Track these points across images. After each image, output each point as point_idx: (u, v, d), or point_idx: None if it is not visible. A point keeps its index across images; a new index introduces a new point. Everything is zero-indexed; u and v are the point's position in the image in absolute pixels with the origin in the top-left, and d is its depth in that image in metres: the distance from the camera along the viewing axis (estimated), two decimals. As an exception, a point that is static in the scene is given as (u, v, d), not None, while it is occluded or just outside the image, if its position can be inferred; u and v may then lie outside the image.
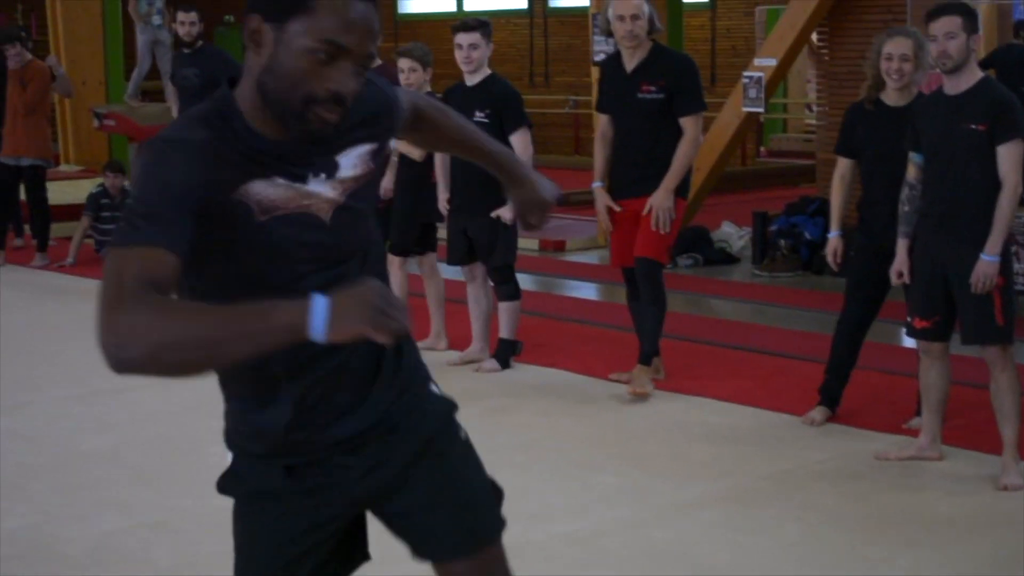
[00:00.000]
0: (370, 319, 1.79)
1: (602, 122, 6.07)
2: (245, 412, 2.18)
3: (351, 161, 2.11)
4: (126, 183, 9.60)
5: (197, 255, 1.93)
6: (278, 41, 1.95)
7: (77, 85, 14.71)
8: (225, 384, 2.19)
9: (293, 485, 2.17)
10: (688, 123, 5.76)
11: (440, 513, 2.20)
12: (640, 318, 5.93)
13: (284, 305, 1.81)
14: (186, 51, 8.81)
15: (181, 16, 8.77)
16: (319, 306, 1.79)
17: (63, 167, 13.50)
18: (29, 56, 9.77)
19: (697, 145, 5.85)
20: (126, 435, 5.36)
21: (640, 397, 5.79)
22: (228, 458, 2.22)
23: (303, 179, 2.05)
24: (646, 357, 5.87)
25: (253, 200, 2.00)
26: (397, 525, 2.23)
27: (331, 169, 2.08)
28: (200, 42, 8.79)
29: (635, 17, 5.67)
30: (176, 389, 5.96)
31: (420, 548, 2.22)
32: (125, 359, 1.76)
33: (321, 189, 2.07)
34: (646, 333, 5.87)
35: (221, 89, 2.06)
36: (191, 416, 5.61)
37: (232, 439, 2.21)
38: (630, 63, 5.83)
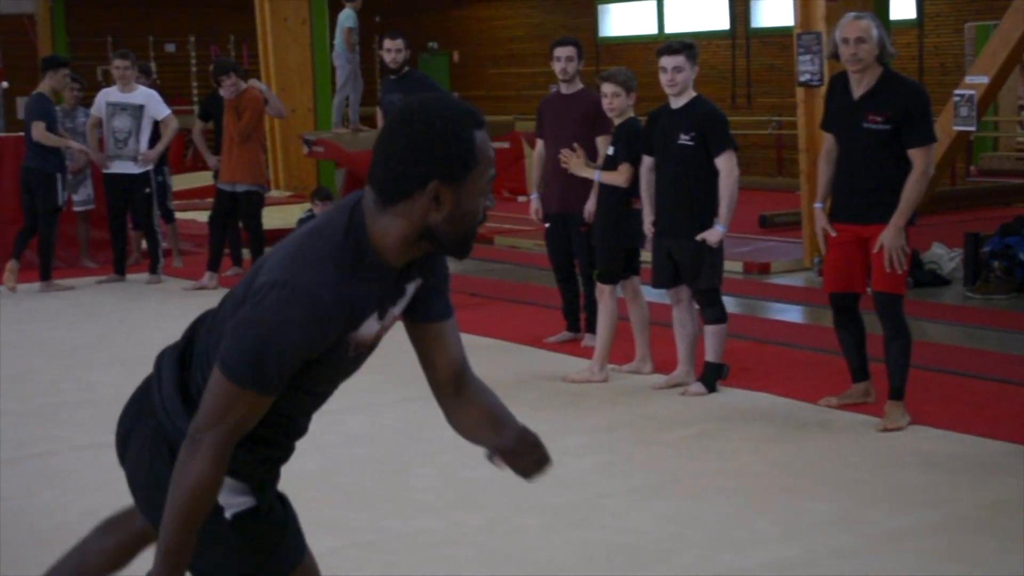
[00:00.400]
0: None
1: (827, 141, 5.86)
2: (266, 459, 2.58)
3: (410, 291, 2.47)
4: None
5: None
6: (460, 194, 2.30)
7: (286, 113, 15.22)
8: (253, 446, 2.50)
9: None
10: (917, 155, 5.52)
11: None
12: (887, 353, 5.70)
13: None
14: (392, 77, 8.99)
15: (388, 43, 8.96)
16: None
17: (273, 193, 13.92)
18: (243, 85, 10.11)
19: (927, 178, 5.58)
20: (335, 456, 5.45)
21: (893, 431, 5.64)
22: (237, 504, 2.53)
23: (384, 314, 2.42)
24: (896, 392, 5.69)
25: (354, 340, 2.37)
26: None
27: (396, 302, 2.45)
28: (406, 68, 8.96)
29: (860, 40, 5.48)
30: (384, 413, 6.14)
31: None
32: (191, 456, 2.30)
33: (387, 322, 2.46)
34: (895, 367, 5.67)
35: (355, 231, 2.32)
36: (399, 438, 5.72)
37: (253, 480, 2.56)
38: (857, 89, 5.62)
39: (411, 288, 2.45)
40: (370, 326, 2.36)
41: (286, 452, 2.63)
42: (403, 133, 2.27)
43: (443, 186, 2.27)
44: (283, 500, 2.68)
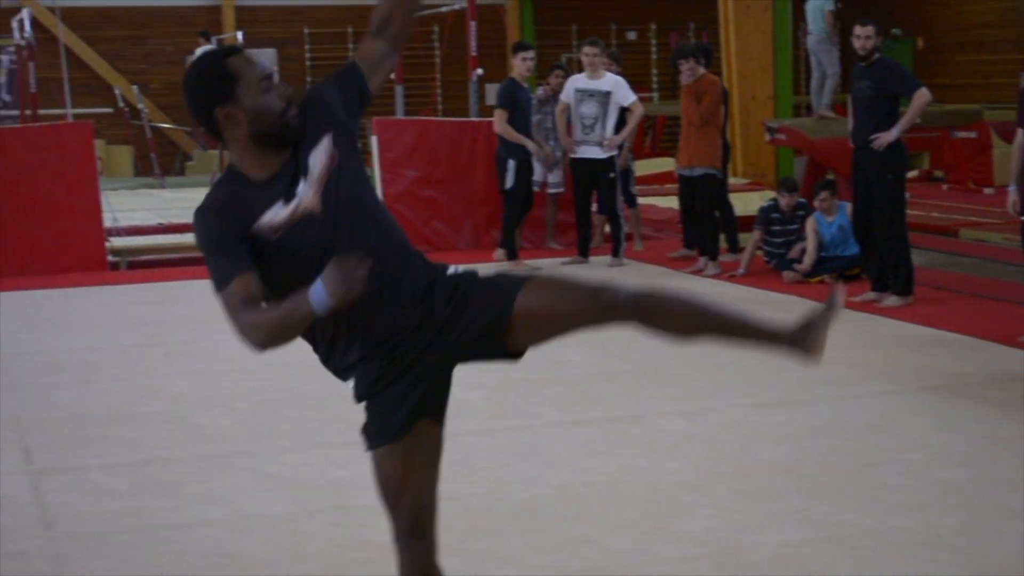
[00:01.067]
0: (337, 294, 2.67)
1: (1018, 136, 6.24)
2: (341, 348, 2.98)
3: (317, 157, 2.93)
4: (799, 200, 9.88)
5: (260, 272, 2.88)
6: (242, 103, 2.89)
7: (746, 100, 15.20)
8: (330, 335, 2.97)
9: (388, 362, 2.95)
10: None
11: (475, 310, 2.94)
12: None
13: (302, 296, 2.72)
14: (862, 64, 8.78)
15: (858, 30, 8.75)
16: (314, 294, 2.69)
17: (732, 180, 13.92)
18: (702, 71, 10.24)
19: None
20: (801, 447, 5.41)
21: None
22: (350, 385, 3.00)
23: (293, 194, 2.91)
24: None
25: (266, 228, 2.89)
26: (467, 335, 2.95)
27: (306, 171, 2.93)
28: (876, 55, 8.73)
29: None
30: (851, 406, 6.04)
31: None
32: (255, 345, 2.83)
33: (305, 191, 2.92)
34: None
35: (229, 167, 3.03)
36: (867, 433, 5.60)
37: (340, 369, 3.02)
38: None
39: (318, 154, 2.94)
40: (276, 212, 2.90)
41: (363, 352, 2.97)
42: (184, 95, 2.96)
43: (223, 107, 2.90)
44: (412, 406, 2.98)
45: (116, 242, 11.58)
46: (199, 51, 19.53)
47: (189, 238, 12.19)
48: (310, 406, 6.14)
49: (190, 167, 21.43)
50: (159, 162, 20.04)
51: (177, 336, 8.14)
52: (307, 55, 23.44)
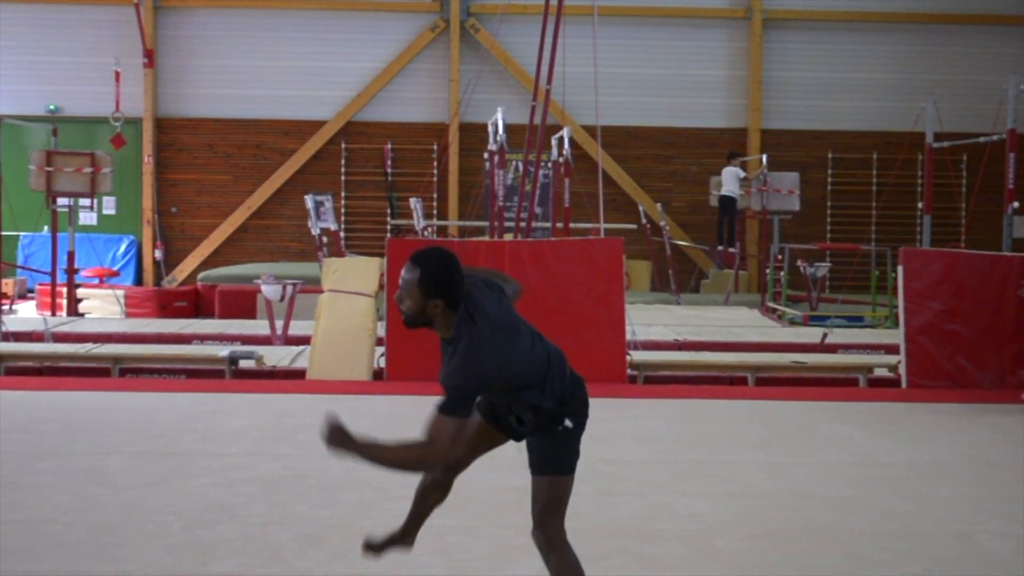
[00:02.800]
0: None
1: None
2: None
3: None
4: None
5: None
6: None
7: None
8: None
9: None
10: None
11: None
12: None
13: None
14: None
15: None
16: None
17: None
18: None
19: None
20: None
21: None
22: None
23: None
24: None
25: None
26: None
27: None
28: None
29: None
30: None
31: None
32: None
33: None
34: None
35: None
36: None
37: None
38: None
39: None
40: None
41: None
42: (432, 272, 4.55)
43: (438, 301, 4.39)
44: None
45: (635, 356, 11.91)
46: (726, 171, 20.09)
47: (705, 356, 12.45)
48: (823, 538, 6.03)
49: (706, 285, 21.82)
50: (676, 279, 20.58)
51: (693, 454, 8.25)
52: (829, 179, 23.43)
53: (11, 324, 14.43)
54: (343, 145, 23.42)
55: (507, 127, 16.05)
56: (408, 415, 9.37)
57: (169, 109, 23.44)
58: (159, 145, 23.42)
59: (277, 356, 12.40)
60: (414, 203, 19.06)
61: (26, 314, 17.70)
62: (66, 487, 6.94)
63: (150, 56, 23.03)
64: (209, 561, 5.62)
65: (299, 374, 11.64)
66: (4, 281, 16.22)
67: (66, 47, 23.21)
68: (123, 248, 23.42)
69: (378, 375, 11.39)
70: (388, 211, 23.31)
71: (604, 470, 7.66)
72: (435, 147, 23.25)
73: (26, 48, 23.22)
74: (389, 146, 23.37)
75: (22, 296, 20.54)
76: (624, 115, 22.91)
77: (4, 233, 15.64)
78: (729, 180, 20.50)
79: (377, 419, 9.26)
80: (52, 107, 23.27)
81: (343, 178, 23.46)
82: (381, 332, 11.62)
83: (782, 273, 19.33)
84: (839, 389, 11.36)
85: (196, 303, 18.75)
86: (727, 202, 20.56)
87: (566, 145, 17.19)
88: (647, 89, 23.31)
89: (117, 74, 21.56)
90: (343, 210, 23.06)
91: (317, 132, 23.34)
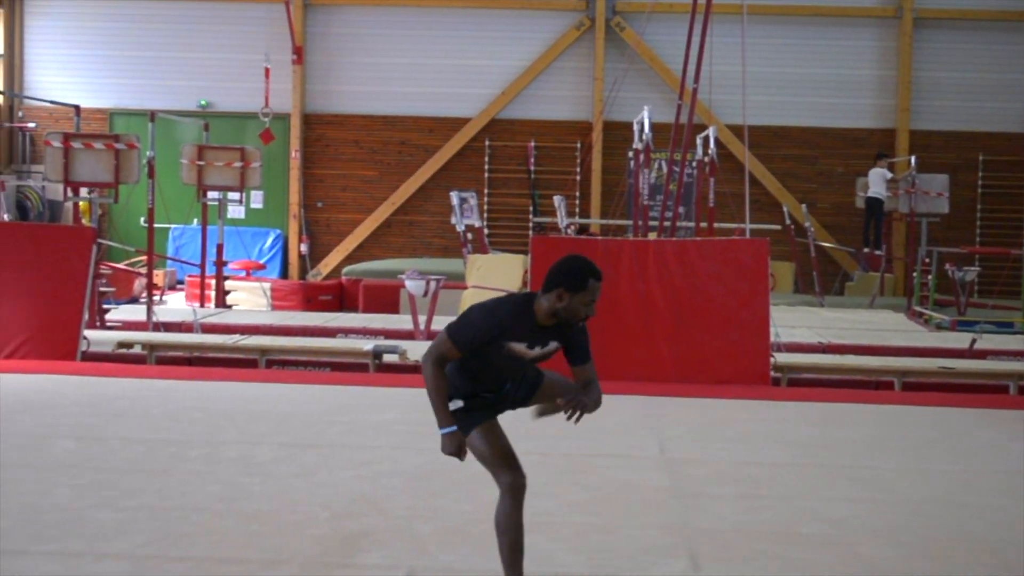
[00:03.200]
0: (445, 449, 4.98)
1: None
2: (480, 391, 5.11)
3: (553, 344, 4.98)
4: None
5: (472, 352, 4.89)
6: (572, 299, 4.80)
7: None
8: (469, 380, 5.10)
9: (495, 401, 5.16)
10: None
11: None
12: None
13: (446, 413, 4.98)
14: None
15: None
16: (445, 431, 4.98)
17: None
18: None
19: None
20: None
21: None
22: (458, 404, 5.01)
23: (532, 346, 4.94)
24: None
25: (506, 347, 4.89)
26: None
27: (545, 343, 4.95)
28: None
29: None
30: None
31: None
32: (424, 372, 4.93)
33: (534, 351, 4.95)
34: None
35: (530, 299, 4.93)
36: None
37: (468, 395, 5.08)
38: None
39: (553, 344, 4.99)
40: (518, 346, 4.91)
41: (488, 393, 5.11)
42: (560, 266, 4.86)
43: (563, 291, 4.80)
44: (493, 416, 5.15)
45: (779, 358, 11.78)
46: (874, 172, 19.74)
47: (850, 359, 12.26)
48: (974, 548, 5.90)
49: (850, 287, 21.48)
50: (820, 281, 20.29)
51: (838, 459, 8.13)
52: (979, 181, 22.91)
53: (161, 315, 14.82)
54: (487, 142, 23.57)
55: (652, 126, 15.99)
56: (549, 412, 9.43)
57: (317, 105, 23.84)
58: (306, 140, 23.84)
59: (420, 351, 12.54)
60: (557, 201, 19.10)
61: (175, 305, 18.18)
62: (216, 476, 7.10)
63: (299, 53, 23.46)
64: (355, 552, 5.71)
65: (441, 369, 11.72)
66: (155, 272, 16.65)
67: (218, 44, 23.76)
68: (269, 242, 23.91)
69: (519, 372, 11.41)
70: (531, 208, 23.39)
71: (748, 473, 7.60)
72: (578, 145, 23.27)
73: (179, 45, 23.83)
74: (532, 144, 23.45)
75: (172, 287, 21.10)
76: (770, 115, 22.66)
77: (156, 225, 16.05)
78: (876, 181, 20.14)
79: (519, 415, 9.28)
80: (203, 102, 23.84)
81: (486, 175, 23.61)
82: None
83: (929, 277, 18.94)
84: (989, 396, 11.08)
85: (340, 297, 19.07)
86: (874, 204, 20.20)
87: (711, 144, 17.06)
88: (794, 88, 23.03)
89: (267, 70, 22.03)
90: (486, 207, 23.20)
91: (461, 129, 23.52)
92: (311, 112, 23.89)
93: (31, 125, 23.88)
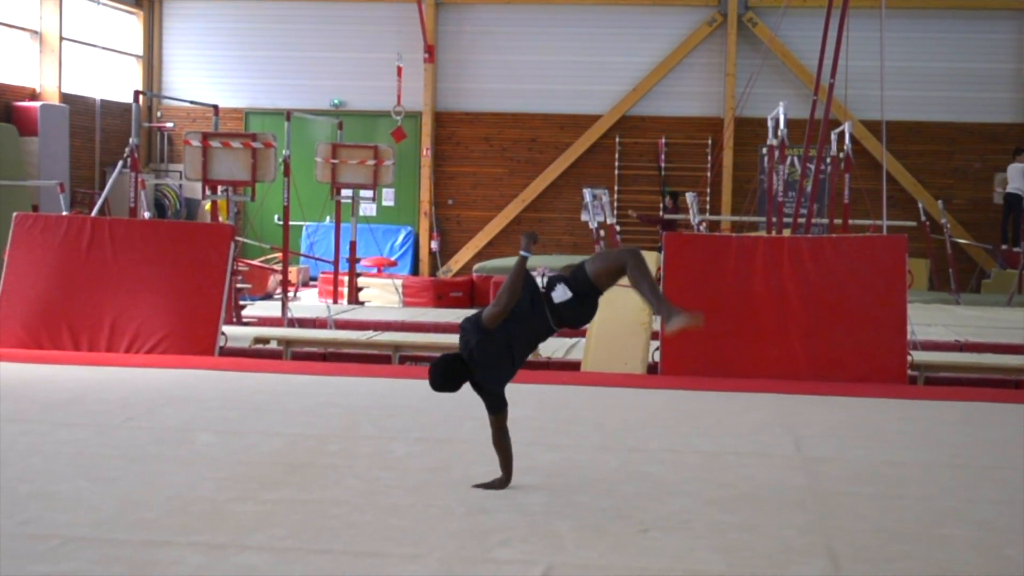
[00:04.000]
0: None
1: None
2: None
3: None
4: None
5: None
6: None
7: None
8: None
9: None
10: None
11: None
12: None
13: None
14: None
15: None
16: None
17: None
18: None
19: None
20: None
21: None
22: None
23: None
24: None
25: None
26: None
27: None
28: None
29: None
30: None
31: None
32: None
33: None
34: None
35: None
36: None
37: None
38: None
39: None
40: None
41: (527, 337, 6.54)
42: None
43: None
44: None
45: (916, 356, 11.56)
46: (1012, 168, 19.27)
47: (989, 358, 11.98)
48: None
49: (987, 285, 20.99)
50: (956, 278, 19.86)
51: (980, 459, 7.94)
52: None
53: (296, 311, 15.04)
54: (617, 139, 23.52)
55: (787, 122, 15.80)
56: (683, 409, 9.37)
57: (448, 103, 24.01)
58: (437, 138, 24.04)
59: (552, 347, 12.56)
60: (690, 198, 18.97)
61: (309, 301, 18.44)
62: (354, 470, 7.18)
63: (431, 51, 23.65)
64: (492, 547, 5.73)
65: (574, 366, 11.76)
66: (290, 269, 16.92)
67: (350, 43, 24.07)
68: (401, 238, 24.16)
69: (652, 369, 11.39)
70: (661, 206, 23.28)
71: (887, 473, 7.47)
72: (709, 142, 23.08)
73: (312, 44, 24.19)
74: (663, 140, 23.33)
75: (306, 284, 21.42)
76: (905, 110, 22.25)
77: (291, 223, 16.31)
78: (1016, 177, 19.65)
79: (651, 413, 9.27)
80: (336, 101, 24.16)
81: (616, 172, 23.57)
82: (656, 326, 11.62)
83: (1072, 274, 18.42)
84: None
85: (471, 293, 19.16)
86: (1013, 200, 19.72)
87: (847, 141, 16.80)
88: (930, 83, 22.57)
89: (399, 69, 22.25)
90: (616, 204, 23.15)
91: (592, 126, 23.51)
92: (442, 110, 24.07)
93: (169, 125, 24.43)
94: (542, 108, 23.72)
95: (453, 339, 12.77)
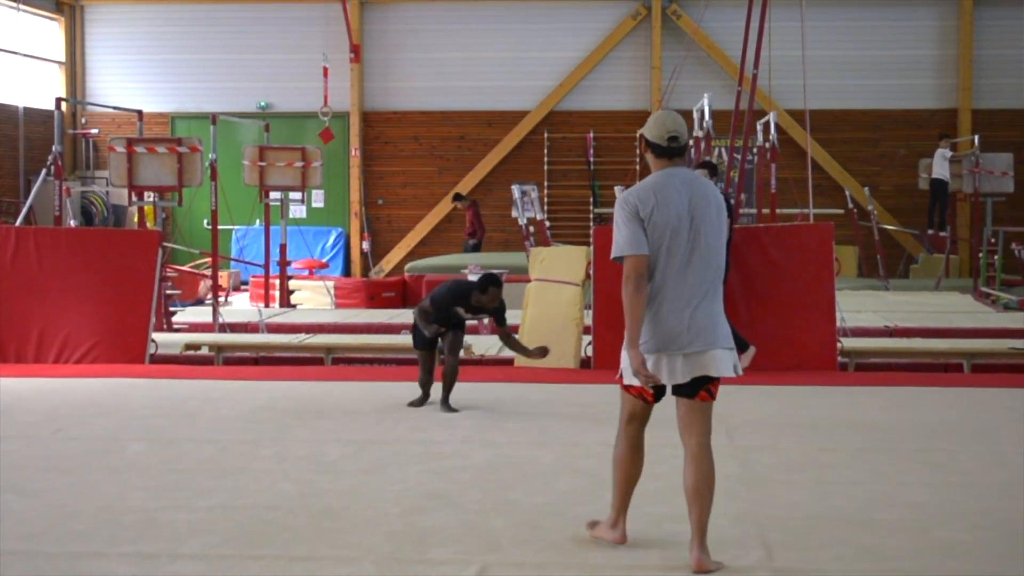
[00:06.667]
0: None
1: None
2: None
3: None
4: None
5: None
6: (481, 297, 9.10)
7: None
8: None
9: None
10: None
11: None
12: None
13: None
14: None
15: None
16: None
17: None
18: None
19: None
20: None
21: None
22: None
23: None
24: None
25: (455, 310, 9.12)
26: None
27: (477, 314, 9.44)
28: None
29: None
30: None
31: None
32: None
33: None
34: None
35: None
36: None
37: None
38: None
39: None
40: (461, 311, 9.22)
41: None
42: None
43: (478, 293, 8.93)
44: None
45: (846, 343, 11.66)
46: (937, 154, 19.50)
47: (918, 343, 12.12)
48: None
49: (915, 270, 21.27)
50: (884, 264, 20.08)
51: (911, 443, 8.03)
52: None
53: (227, 316, 14.91)
54: (546, 135, 23.55)
55: (712, 113, 15.88)
56: (616, 403, 9.37)
57: (375, 103, 23.93)
58: (365, 138, 23.95)
59: (485, 344, 12.54)
60: (618, 192, 19.02)
61: (241, 306, 18.32)
62: (287, 474, 7.13)
63: (356, 51, 23.56)
64: (428, 548, 5.70)
65: (507, 362, 11.74)
66: (220, 274, 16.77)
67: (275, 44, 23.92)
68: (332, 240, 24.04)
69: (585, 364, 11.41)
70: (591, 200, 23.34)
71: (819, 459, 7.54)
72: (637, 135, 23.18)
73: (237, 47, 24.02)
74: (591, 135, 23.39)
75: (237, 288, 21.24)
76: (830, 98, 22.47)
77: (220, 227, 16.17)
78: (940, 163, 19.90)
79: (584, 407, 9.28)
80: (262, 103, 24.00)
81: (546, 168, 23.61)
82: (588, 321, 11.63)
83: (996, 257, 18.68)
84: (1062, 377, 10.90)
85: (403, 293, 19.12)
86: (938, 185, 19.97)
87: (772, 130, 16.93)
88: (854, 71, 22.82)
89: (325, 70, 22.12)
90: (546, 199, 23.19)
91: (520, 123, 23.54)
92: (370, 110, 23.98)
93: (94, 131, 24.15)
94: (470, 105, 23.71)
95: (386, 339, 12.75)
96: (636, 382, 5.33)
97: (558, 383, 10.48)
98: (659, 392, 5.44)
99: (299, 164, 17.28)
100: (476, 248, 21.20)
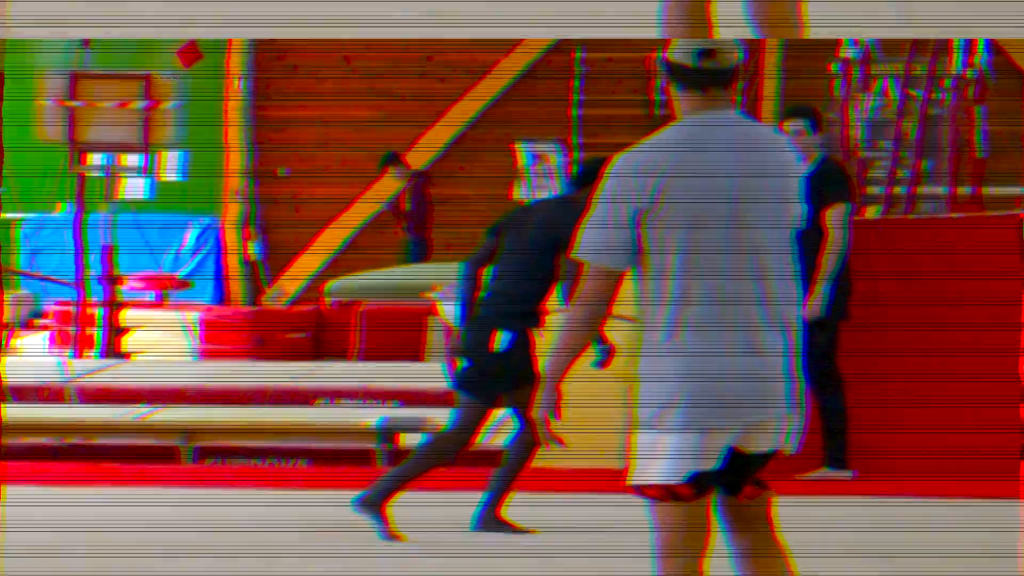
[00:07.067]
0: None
1: None
2: None
3: None
4: None
5: None
6: None
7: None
8: None
9: None
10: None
11: None
12: None
13: None
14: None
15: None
16: None
17: None
18: None
19: None
20: None
21: None
22: None
23: None
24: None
25: None
26: None
27: None
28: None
29: None
30: None
31: None
32: None
33: None
34: None
35: None
36: None
37: None
38: None
39: None
40: None
41: None
42: None
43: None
44: None
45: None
46: None
47: None
48: None
49: None
50: None
51: None
52: None
53: (10, 372, 14.48)
54: (577, 56, 23.37)
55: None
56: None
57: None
58: (258, 62, 23.75)
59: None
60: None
61: (34, 354, 18.16)
62: None
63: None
64: None
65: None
66: (-2, 298, 16.52)
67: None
68: (193, 239, 23.67)
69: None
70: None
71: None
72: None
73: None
74: (659, 56, 23.25)
75: (28, 324, 20.79)
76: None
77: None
78: None
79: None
80: (78, 3, 23.64)
81: (576, 114, 23.39)
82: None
83: None
84: None
85: (317, 334, 18.76)
86: None
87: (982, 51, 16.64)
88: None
89: None
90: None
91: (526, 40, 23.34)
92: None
93: None
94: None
95: (290, 415, 12.33)
96: None
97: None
98: None
99: (140, 105, 16.88)
100: (420, 252, 20.91)
